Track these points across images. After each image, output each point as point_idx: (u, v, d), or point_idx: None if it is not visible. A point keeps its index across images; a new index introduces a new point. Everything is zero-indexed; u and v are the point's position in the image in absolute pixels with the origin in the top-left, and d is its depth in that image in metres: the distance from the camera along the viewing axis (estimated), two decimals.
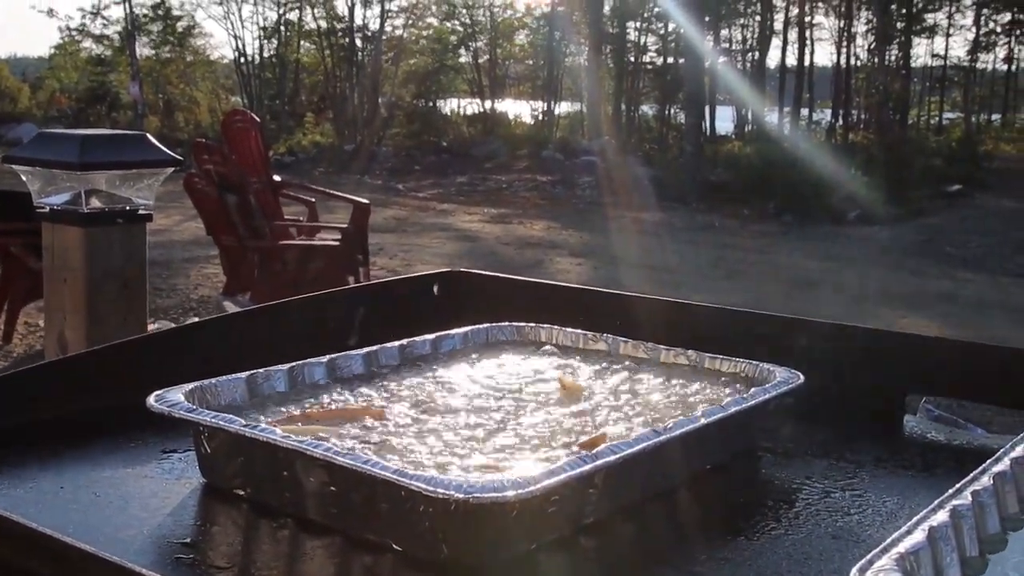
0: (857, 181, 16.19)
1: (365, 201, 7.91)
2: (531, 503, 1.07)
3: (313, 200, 8.32)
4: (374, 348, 1.57)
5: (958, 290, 10.13)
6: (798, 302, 8.99)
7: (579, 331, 1.72)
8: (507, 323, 1.76)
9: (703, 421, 1.29)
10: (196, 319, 7.38)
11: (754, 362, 1.55)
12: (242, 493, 1.25)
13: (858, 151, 19.20)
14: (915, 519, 0.98)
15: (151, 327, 6.04)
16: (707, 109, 21.88)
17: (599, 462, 1.13)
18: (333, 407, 1.37)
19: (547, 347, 1.70)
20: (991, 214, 14.86)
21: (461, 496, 1.03)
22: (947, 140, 21.43)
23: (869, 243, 12.68)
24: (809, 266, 11.22)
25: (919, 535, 0.94)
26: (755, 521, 1.25)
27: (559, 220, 14.37)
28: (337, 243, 7.58)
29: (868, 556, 0.89)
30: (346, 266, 7.53)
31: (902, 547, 0.91)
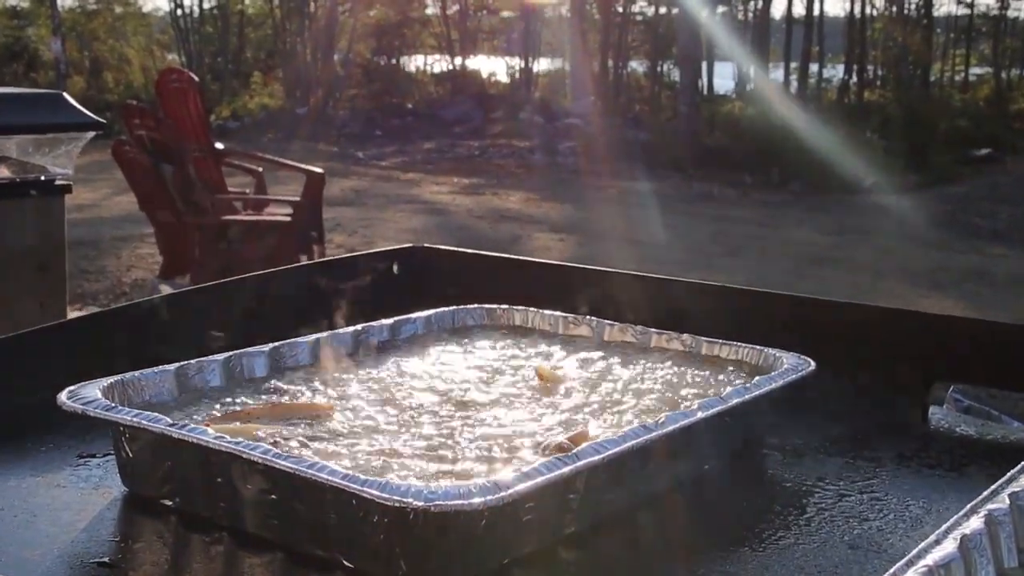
0: (873, 145, 16.22)
1: (319, 171, 7.85)
2: (502, 512, 1.04)
3: (260, 170, 8.26)
4: (323, 335, 1.54)
5: (987, 266, 10.16)
6: (807, 281, 8.99)
7: (559, 313, 1.69)
8: (476, 305, 1.73)
9: (700, 415, 1.26)
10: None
11: (758, 347, 1.53)
12: (169, 503, 1.21)
13: (874, 111, 19.25)
14: (944, 526, 0.96)
15: (74, 315, 5.99)
16: (704, 65, 21.87)
17: (580, 463, 1.11)
18: (275, 403, 1.33)
19: (522, 332, 1.67)
20: (1023, 181, 14.93)
21: (420, 504, 1.00)
22: (974, 98, 21.50)
23: (887, 214, 12.70)
24: (819, 240, 11.24)
25: (950, 545, 0.92)
26: (761, 529, 1.22)
27: (538, 191, 14.34)
28: (288, 218, 7.53)
29: (892, 569, 0.87)
30: (298, 244, 7.48)
31: (930, 559, 0.89)
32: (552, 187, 14.67)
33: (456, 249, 2.01)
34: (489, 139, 19.76)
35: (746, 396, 1.33)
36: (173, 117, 7.78)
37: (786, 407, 1.48)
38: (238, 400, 1.35)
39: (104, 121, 2.74)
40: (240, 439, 1.13)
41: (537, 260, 2.02)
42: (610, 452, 1.14)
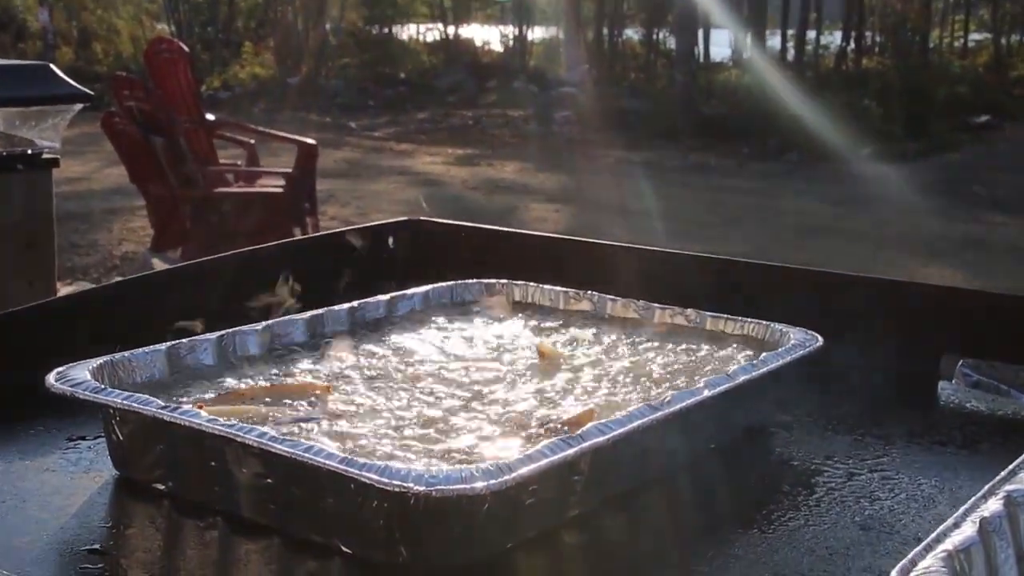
0: (871, 113, 16.15)
1: (312, 142, 7.81)
2: (505, 495, 1.02)
3: (252, 142, 8.21)
4: (318, 312, 1.51)
5: (988, 235, 10.13)
6: (807, 251, 8.96)
7: (559, 288, 1.66)
8: (474, 280, 1.70)
9: (706, 393, 1.24)
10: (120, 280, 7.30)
11: (764, 322, 1.50)
12: (162, 487, 1.19)
13: (872, 79, 19.14)
14: (962, 508, 0.93)
15: (66, 290, 5.95)
16: (700, 33, 21.75)
17: (585, 444, 1.08)
18: (269, 383, 1.31)
19: (522, 307, 1.65)
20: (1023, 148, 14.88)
21: (422, 489, 0.98)
22: (973, 65, 21.40)
23: (886, 183, 12.66)
24: (818, 210, 11.20)
25: (968, 528, 0.89)
26: (769, 510, 1.20)
27: (533, 161, 14.27)
28: (280, 190, 7.49)
29: (910, 555, 0.84)
30: (291, 216, 7.45)
31: (949, 543, 0.86)
32: (547, 157, 14.61)
33: (452, 222, 1.98)
34: (483, 109, 19.68)
35: (753, 373, 1.31)
36: (163, 88, 7.73)
37: (792, 383, 1.46)
38: (232, 380, 1.32)
39: (92, 93, 2.71)
40: (234, 422, 1.11)
41: (536, 233, 1.99)
42: (615, 433, 1.11)
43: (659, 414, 1.17)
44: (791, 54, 21.63)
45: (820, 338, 1.43)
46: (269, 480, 1.10)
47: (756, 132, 15.60)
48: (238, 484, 1.12)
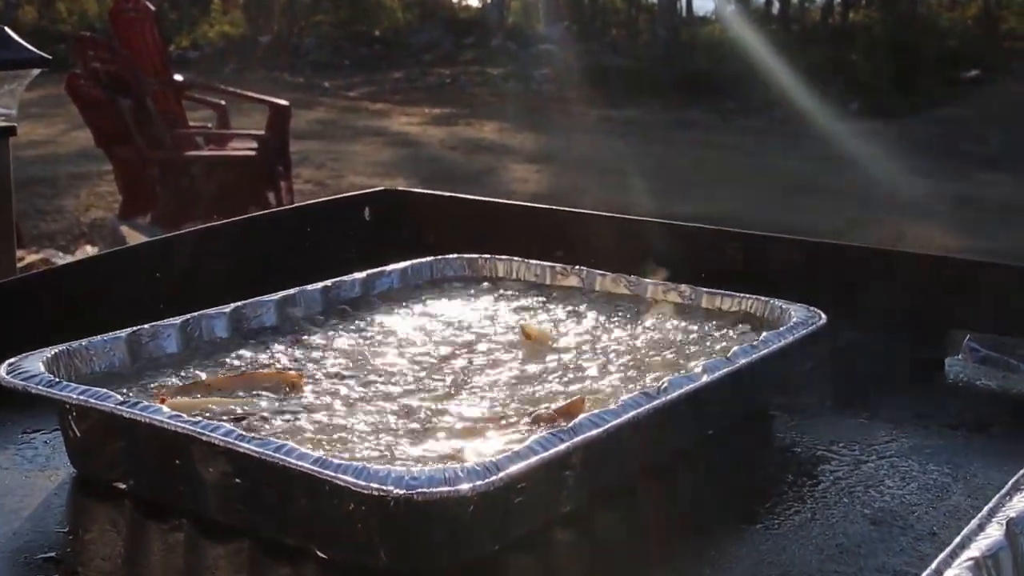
0: (858, 67, 16.09)
1: (284, 103, 7.72)
2: (493, 496, 0.96)
3: (223, 103, 8.12)
4: (290, 292, 1.45)
5: (977, 193, 10.10)
6: (794, 210, 8.92)
7: (545, 263, 1.60)
8: (456, 255, 1.64)
9: (705, 379, 1.18)
10: (89, 248, 7.22)
11: (763, 298, 1.45)
12: (123, 486, 1.13)
13: (859, 32, 19.07)
14: (986, 508, 0.88)
15: (32, 258, 5.87)
16: None
17: (578, 439, 1.02)
18: (237, 372, 1.25)
19: (506, 284, 1.59)
20: (1014, 103, 14.83)
21: (402, 492, 0.92)
22: (962, 17, 21.33)
23: (873, 140, 12.61)
24: (804, 168, 11.15)
25: (995, 531, 0.84)
26: (772, 503, 1.15)
27: (513, 120, 14.17)
28: (253, 153, 7.41)
29: (934, 564, 0.79)
30: (264, 180, 7.37)
31: (975, 548, 0.81)
32: (527, 116, 14.51)
33: (431, 192, 1.92)
34: (460, 67, 19.53)
35: (754, 356, 1.25)
36: (129, 48, 7.61)
37: (793, 361, 1.41)
38: (197, 369, 1.26)
39: (49, 57, 2.62)
40: (198, 418, 1.05)
41: (519, 203, 1.93)
42: (609, 425, 1.06)
43: (655, 403, 1.11)
44: (776, 7, 21.52)
45: (823, 315, 1.37)
46: (238, 480, 1.04)
47: (740, 88, 15.52)
48: (205, 484, 1.06)
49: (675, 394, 1.13)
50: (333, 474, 0.94)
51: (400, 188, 1.94)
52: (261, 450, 0.98)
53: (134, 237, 6.36)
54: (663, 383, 1.15)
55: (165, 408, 1.06)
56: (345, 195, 1.88)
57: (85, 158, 10.25)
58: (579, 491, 1.09)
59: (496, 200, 1.93)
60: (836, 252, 1.68)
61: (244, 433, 1.01)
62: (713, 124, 14.19)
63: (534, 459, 0.98)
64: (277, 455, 0.97)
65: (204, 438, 1.01)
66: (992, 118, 13.75)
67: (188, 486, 1.07)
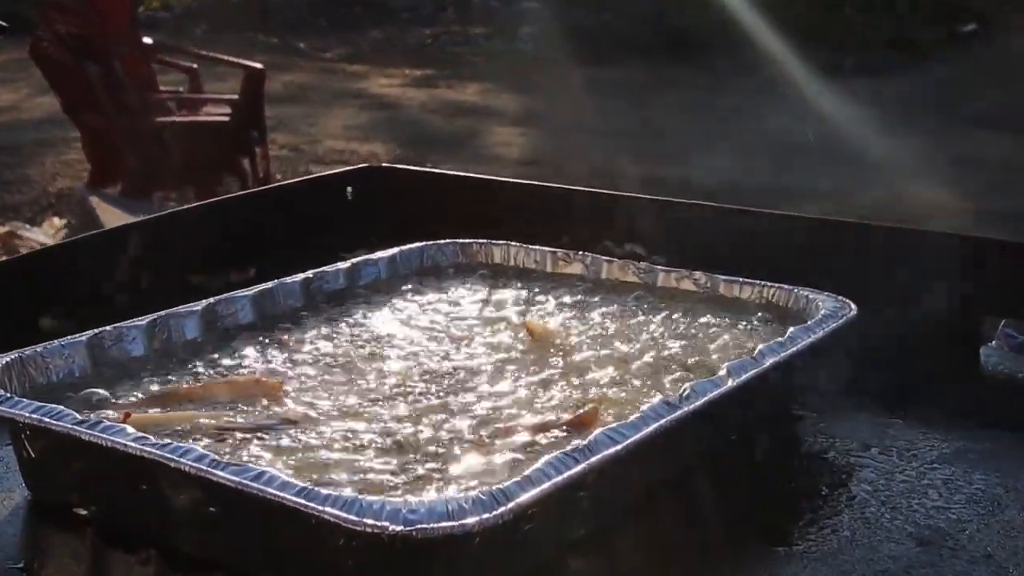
0: (852, 22, 15.96)
1: (259, 66, 7.57)
2: (501, 528, 0.87)
3: (195, 66, 7.96)
4: (267, 286, 1.36)
5: (976, 153, 10.00)
6: (788, 172, 8.83)
7: (546, 249, 1.51)
8: (448, 240, 1.55)
9: (731, 383, 1.09)
10: (56, 220, 7.10)
11: (786, 286, 1.36)
12: (84, 512, 1.03)
13: None
14: None
15: None
16: None
17: (594, 459, 0.93)
18: (210, 381, 1.15)
19: (503, 271, 1.49)
20: (1015, 59, 14.72)
21: (399, 528, 0.83)
22: None
23: (869, 98, 12.50)
24: (798, 128, 11.05)
25: None
26: (806, 521, 1.06)
27: (496, 81, 14.00)
28: (226, 118, 7.27)
29: None
30: (238, 146, 7.24)
31: None
32: (511, 76, 14.36)
33: (419, 169, 1.83)
34: (441, 26, 19.32)
35: (782, 355, 1.16)
36: (96, 10, 7.45)
37: (817, 356, 1.32)
38: (165, 376, 1.16)
39: (6, 25, 2.51)
40: (167, 441, 0.95)
41: (513, 180, 1.83)
42: (628, 441, 0.97)
43: (678, 413, 1.02)
44: None
45: (853, 306, 1.28)
46: (212, 509, 0.94)
47: (731, 47, 15.39)
48: (175, 512, 0.97)
49: (699, 402, 1.05)
50: (320, 508, 0.84)
51: (385, 164, 1.84)
52: (238, 479, 0.88)
53: (103, 209, 6.23)
54: (685, 389, 1.06)
55: (130, 429, 0.97)
56: (326, 173, 1.78)
57: (51, 124, 10.09)
58: (593, 513, 1.00)
59: (488, 177, 1.84)
60: (857, 232, 1.59)
61: (217, 458, 0.91)
62: (703, 83, 14.07)
63: (547, 484, 0.89)
64: (256, 485, 0.87)
65: (173, 464, 0.91)
66: (990, 75, 13.66)
67: (157, 514, 0.98)
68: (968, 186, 8.71)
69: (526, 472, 0.90)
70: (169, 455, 0.92)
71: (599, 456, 0.94)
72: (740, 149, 10.06)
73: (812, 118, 11.45)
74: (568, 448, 0.94)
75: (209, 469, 0.90)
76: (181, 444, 0.94)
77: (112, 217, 6.14)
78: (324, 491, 0.86)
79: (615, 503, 1.03)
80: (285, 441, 1.02)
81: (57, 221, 7.08)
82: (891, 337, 1.42)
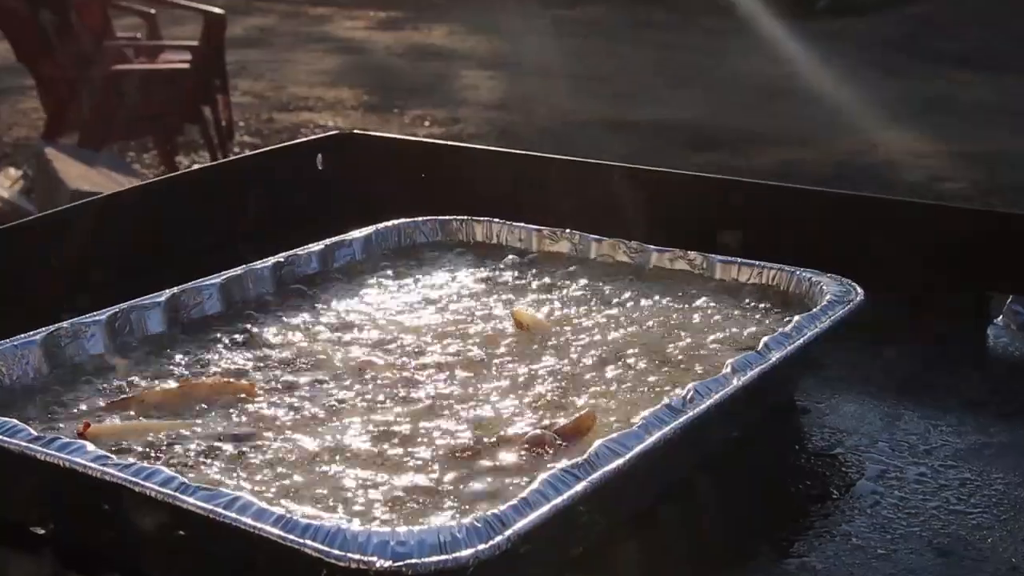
0: None
1: (219, 11, 7.43)
2: (498, 559, 0.81)
3: (153, 12, 7.82)
4: (235, 272, 1.28)
5: (953, 93, 9.96)
6: (762, 115, 8.77)
7: (531, 227, 1.44)
8: (426, 217, 1.48)
9: (736, 383, 1.03)
10: (12, 171, 6.96)
11: (787, 268, 1.29)
12: (41, 532, 0.97)
13: None
14: None
15: None
16: None
17: (595, 475, 0.87)
18: (176, 384, 1.08)
19: (486, 251, 1.42)
20: None
21: (387, 564, 0.76)
22: None
23: (843, 39, 12.43)
24: (771, 70, 10.96)
25: None
26: (815, 529, 1.01)
27: (464, 22, 13.85)
28: (186, 66, 7.14)
29: None
30: (199, 94, 7.12)
31: None
32: (479, 18, 14.21)
33: (393, 136, 1.76)
34: None
35: (789, 347, 1.10)
36: None
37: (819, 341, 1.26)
38: (128, 378, 1.09)
39: None
40: (130, 460, 0.88)
41: (493, 149, 1.75)
42: (631, 454, 0.90)
43: (683, 419, 0.96)
44: None
45: (859, 289, 1.22)
46: (181, 532, 0.88)
47: None
48: (140, 534, 0.90)
49: (704, 406, 0.98)
50: (300, 542, 0.78)
51: (357, 131, 1.76)
52: (209, 506, 0.82)
53: (60, 160, 6.09)
54: (688, 391, 0.99)
55: (89, 446, 0.90)
56: (293, 142, 1.71)
57: (6, 72, 9.90)
58: (591, 528, 0.94)
59: (467, 145, 1.76)
60: (851, 204, 1.53)
61: (186, 482, 0.85)
62: (675, 24, 13.96)
63: (546, 507, 0.83)
64: (229, 514, 0.81)
65: (137, 489, 0.85)
66: (967, 14, 13.60)
67: (120, 536, 0.92)
68: (943, 128, 8.68)
69: (523, 494, 0.83)
70: (132, 477, 0.85)
71: (601, 472, 0.88)
72: (710, 91, 9.99)
73: (784, 60, 11.39)
74: (567, 463, 0.87)
75: (176, 495, 0.83)
76: (146, 466, 0.87)
77: (69, 168, 6.02)
78: (304, 521, 0.80)
79: (614, 518, 0.97)
80: (255, 456, 0.95)
81: (13, 172, 6.95)
82: (896, 321, 1.36)
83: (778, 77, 10.68)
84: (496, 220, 1.46)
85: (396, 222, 1.46)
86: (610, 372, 1.11)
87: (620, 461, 0.89)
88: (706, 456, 1.08)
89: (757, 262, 1.31)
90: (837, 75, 10.62)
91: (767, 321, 1.22)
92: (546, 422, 1.00)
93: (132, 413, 1.02)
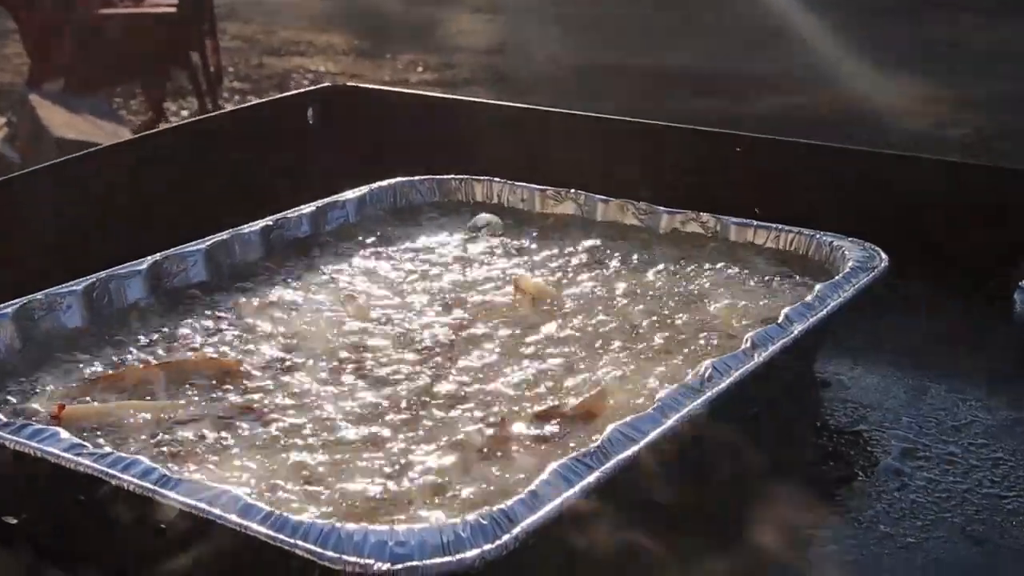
0: None
1: None
2: (505, 560, 0.75)
3: None
4: (221, 237, 1.22)
5: (959, 38, 9.85)
6: (762, 60, 8.67)
7: (533, 186, 1.38)
8: (423, 177, 1.41)
9: (757, 358, 0.97)
10: None
11: (806, 231, 1.24)
12: (13, 521, 0.91)
13: None
14: None
15: None
16: None
17: (609, 465, 0.82)
18: (158, 361, 1.02)
19: (487, 211, 1.36)
20: None
21: (386, 568, 0.71)
22: None
23: None
24: (767, 12, 10.86)
25: None
26: (844, 518, 0.95)
27: None
28: (173, 9, 7.05)
29: None
30: (186, 39, 7.02)
31: None
32: None
33: (386, 88, 1.70)
34: None
35: (811, 319, 1.04)
36: None
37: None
38: (107, 353, 1.04)
39: None
40: (107, 450, 0.83)
41: (492, 102, 1.69)
42: (649, 438, 0.85)
43: (701, 400, 0.91)
44: None
45: (883, 255, 1.17)
46: (162, 525, 0.82)
47: None
48: (120, 529, 0.85)
49: (724, 384, 0.93)
50: (291, 543, 0.73)
51: (349, 84, 1.69)
52: (192, 501, 0.76)
53: (45, 107, 6.01)
54: (705, 369, 0.94)
55: (63, 433, 0.84)
56: (283, 95, 1.63)
57: None
58: (601, 524, 0.89)
59: (465, 98, 1.69)
60: (871, 161, 1.47)
61: (167, 473, 0.79)
62: None
63: (557, 502, 0.77)
64: (213, 511, 0.75)
65: (115, 482, 0.79)
66: None
67: (97, 526, 0.86)
68: (955, 75, 8.58)
69: (531, 486, 0.78)
70: (107, 469, 0.80)
71: (615, 460, 0.82)
72: (705, 34, 9.88)
73: (785, 3, 11.26)
74: (578, 451, 0.82)
75: (157, 488, 0.78)
76: (124, 456, 0.81)
77: (54, 116, 5.94)
78: (295, 518, 0.74)
79: (629, 506, 0.92)
80: (242, 443, 0.89)
81: None
82: (921, 290, 1.31)
83: (778, 21, 10.57)
84: (497, 179, 1.39)
85: (391, 181, 1.39)
86: (619, 344, 1.05)
87: (635, 448, 0.84)
88: (722, 436, 1.03)
89: (774, 224, 1.25)
90: (840, 17, 10.51)
91: (786, 289, 1.16)
92: (553, 401, 0.95)
93: (110, 393, 0.97)
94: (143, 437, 0.90)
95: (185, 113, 6.69)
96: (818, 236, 1.22)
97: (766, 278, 1.19)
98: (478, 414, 0.94)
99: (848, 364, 1.19)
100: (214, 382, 0.98)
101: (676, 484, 0.95)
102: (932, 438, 1.06)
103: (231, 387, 0.98)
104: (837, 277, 1.12)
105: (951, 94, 7.90)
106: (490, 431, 0.91)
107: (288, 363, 1.02)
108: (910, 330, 1.27)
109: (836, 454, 1.05)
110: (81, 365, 1.02)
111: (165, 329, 1.08)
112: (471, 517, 0.75)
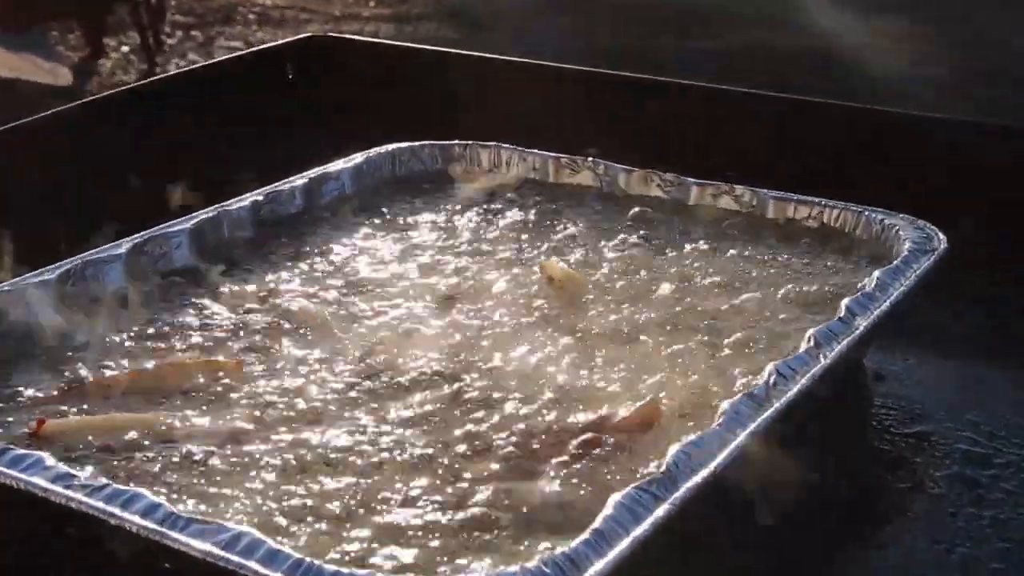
0: None
1: None
2: None
3: None
4: (208, 213, 1.13)
5: None
6: (748, 4, 8.58)
7: (547, 154, 1.29)
8: (424, 142, 1.32)
9: (823, 361, 0.89)
10: None
11: (853, 207, 1.16)
12: None
13: None
14: None
15: None
16: None
17: (679, 493, 0.74)
18: (146, 367, 0.93)
19: (497, 183, 1.27)
20: None
21: None
22: None
23: None
24: None
25: None
26: (910, 534, 0.88)
27: None
28: None
29: None
30: None
31: None
32: None
33: (375, 40, 1.59)
34: None
35: (875, 312, 0.97)
36: None
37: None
38: (86, 355, 0.95)
39: None
40: (102, 480, 0.74)
41: (495, 56, 1.58)
42: (719, 460, 0.77)
43: (770, 412, 0.83)
44: None
45: (941, 236, 1.09)
46: (167, 565, 0.74)
47: None
48: (117, 565, 0.76)
49: (792, 392, 0.85)
50: None
51: (332, 35, 1.58)
52: (207, 547, 0.68)
53: None
54: (769, 376, 0.86)
55: (49, 460, 0.75)
56: (261, 48, 1.53)
57: None
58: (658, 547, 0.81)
59: (465, 52, 1.59)
60: (912, 124, 1.39)
61: (175, 511, 0.70)
62: None
63: (626, 542, 0.69)
64: (233, 558, 0.67)
65: (113, 522, 0.71)
66: None
67: (82, 553, 0.78)
68: (935, 22, 8.51)
69: (595, 524, 0.70)
70: (94, 505, 0.71)
71: (684, 488, 0.74)
72: None
73: None
74: (642, 479, 0.74)
75: (164, 530, 0.69)
76: (123, 488, 0.72)
77: None
78: (330, 568, 0.66)
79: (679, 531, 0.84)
80: (243, 462, 0.81)
81: None
82: (973, 273, 1.22)
83: None
84: (505, 145, 1.30)
85: (389, 148, 1.30)
86: (662, 342, 0.97)
87: (705, 472, 0.76)
88: (769, 446, 0.95)
89: (816, 199, 1.17)
90: None
91: (836, 273, 1.08)
92: (603, 413, 0.86)
93: (94, 403, 0.88)
94: (136, 456, 0.81)
95: (126, 49, 6.49)
96: (866, 212, 1.14)
97: (813, 259, 1.11)
98: (512, 433, 0.85)
99: (900, 354, 1.12)
100: (211, 387, 0.90)
101: (738, 506, 0.88)
102: (1003, 441, 0.99)
103: (230, 393, 0.89)
104: (896, 262, 1.04)
105: (924, 31, 7.85)
106: (533, 444, 0.83)
107: (288, 357, 0.94)
108: (967, 318, 1.19)
109: (900, 461, 0.98)
110: (58, 367, 0.92)
111: (149, 322, 0.99)
112: (531, 565, 0.67)
